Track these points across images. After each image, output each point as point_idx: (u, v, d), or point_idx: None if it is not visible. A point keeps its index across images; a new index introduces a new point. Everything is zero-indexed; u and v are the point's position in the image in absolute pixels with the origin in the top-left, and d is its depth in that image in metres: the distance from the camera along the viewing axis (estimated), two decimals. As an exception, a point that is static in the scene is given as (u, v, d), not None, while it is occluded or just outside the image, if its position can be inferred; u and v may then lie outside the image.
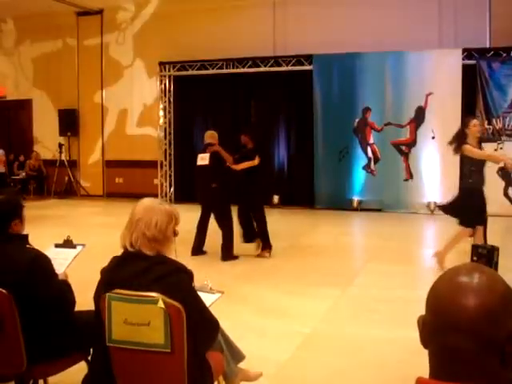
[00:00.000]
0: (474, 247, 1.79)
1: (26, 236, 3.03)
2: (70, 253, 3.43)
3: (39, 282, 2.80)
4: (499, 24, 11.33)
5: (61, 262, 3.30)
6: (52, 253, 3.30)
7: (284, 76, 12.87)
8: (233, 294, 5.20)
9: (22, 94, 15.85)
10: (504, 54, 11.21)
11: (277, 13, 13.07)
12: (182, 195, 13.57)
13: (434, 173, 11.80)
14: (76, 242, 3.53)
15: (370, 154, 12.34)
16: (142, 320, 2.42)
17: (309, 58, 12.58)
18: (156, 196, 12.98)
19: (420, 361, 4.35)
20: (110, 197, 14.84)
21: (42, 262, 2.87)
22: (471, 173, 6.40)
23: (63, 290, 2.97)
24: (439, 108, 11.59)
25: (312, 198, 12.63)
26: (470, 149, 6.32)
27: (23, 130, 16.15)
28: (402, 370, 3.92)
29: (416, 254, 8.74)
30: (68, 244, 3.50)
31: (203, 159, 7.78)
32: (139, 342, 2.45)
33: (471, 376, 1.11)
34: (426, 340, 1.19)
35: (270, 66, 12.90)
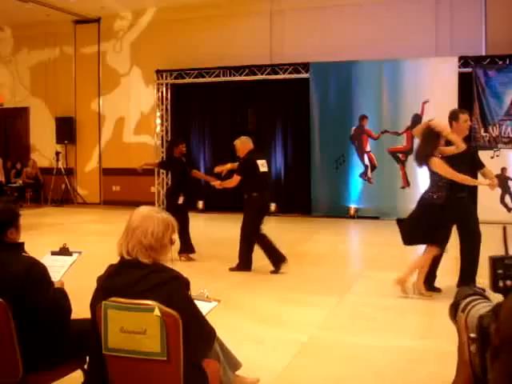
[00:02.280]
0: (497, 259, 1.67)
1: (22, 244, 3.02)
2: (66, 260, 3.42)
3: (35, 290, 2.79)
4: (495, 32, 11.40)
5: (57, 269, 3.29)
6: (48, 260, 3.29)
7: (281, 84, 12.90)
8: (229, 302, 5.19)
9: (19, 101, 15.86)
10: (500, 62, 11.26)
11: (274, 21, 13.12)
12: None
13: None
14: (72, 250, 3.52)
15: (366, 161, 12.36)
16: (138, 328, 2.42)
17: (305, 66, 12.61)
18: (153, 204, 12.97)
19: (417, 369, 4.33)
20: (107, 205, 14.83)
21: (37, 270, 2.86)
22: (438, 188, 5.77)
23: (59, 298, 2.95)
24: (436, 116, 11.49)
25: (309, 205, 12.63)
26: (440, 165, 5.66)
27: (20, 138, 16.15)
28: (400, 379, 3.91)
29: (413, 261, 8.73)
30: (64, 251, 3.49)
31: (264, 166, 7.38)
32: (135, 351, 2.44)
33: None
34: (495, 350, 1.14)
35: (266, 74, 12.93)
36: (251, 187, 7.27)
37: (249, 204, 7.33)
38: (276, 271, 7.19)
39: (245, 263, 7.31)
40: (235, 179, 7.32)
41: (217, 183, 7.74)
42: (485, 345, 1.16)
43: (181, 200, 7.84)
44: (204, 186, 13.20)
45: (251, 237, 7.28)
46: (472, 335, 1.18)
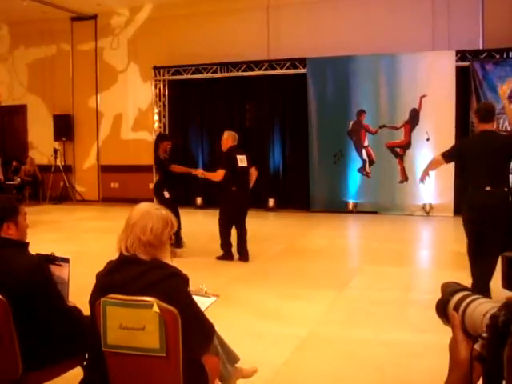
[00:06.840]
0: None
1: (27, 244, 2.98)
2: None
3: (38, 289, 2.76)
4: (492, 25, 11.39)
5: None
6: None
7: (278, 79, 12.89)
8: (228, 297, 5.19)
9: (17, 99, 15.83)
10: (497, 56, 11.25)
11: (271, 17, 13.10)
12: (178, 199, 13.58)
13: (429, 174, 11.80)
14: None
15: (364, 156, 12.36)
16: (137, 325, 2.42)
17: (303, 62, 12.60)
18: (151, 201, 12.95)
19: (417, 363, 4.33)
20: (106, 202, 14.82)
21: (42, 270, 2.82)
22: None
23: (62, 299, 2.93)
24: (433, 110, 11.62)
25: (307, 200, 12.64)
26: None
27: (18, 136, 16.12)
28: (399, 373, 3.92)
29: (412, 255, 8.75)
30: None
31: (243, 161, 7.54)
32: (134, 347, 2.44)
33: None
34: None
35: (264, 70, 12.92)
36: (230, 181, 7.45)
37: (226, 197, 7.57)
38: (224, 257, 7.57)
39: (226, 254, 7.63)
40: (220, 173, 7.47)
41: (199, 172, 8.08)
42: (500, 344, 1.15)
43: (166, 194, 7.89)
44: (203, 182, 13.28)
45: (226, 229, 7.57)
46: (484, 335, 1.17)
